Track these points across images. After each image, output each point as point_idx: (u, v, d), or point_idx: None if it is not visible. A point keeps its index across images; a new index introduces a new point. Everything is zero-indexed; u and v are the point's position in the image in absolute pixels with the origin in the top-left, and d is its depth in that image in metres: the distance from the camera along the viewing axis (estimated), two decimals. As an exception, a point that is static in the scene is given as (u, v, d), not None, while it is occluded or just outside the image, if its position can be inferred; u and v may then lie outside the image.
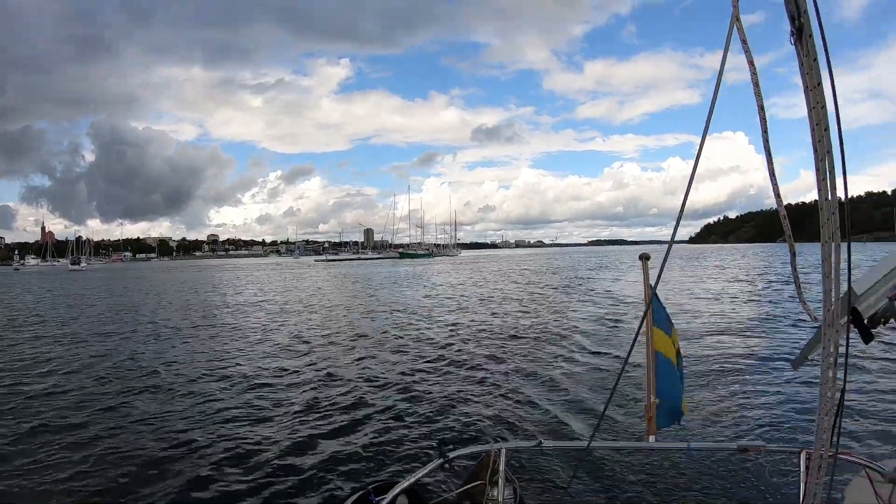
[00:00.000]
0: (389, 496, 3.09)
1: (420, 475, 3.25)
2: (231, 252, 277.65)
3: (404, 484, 3.17)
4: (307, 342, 15.89)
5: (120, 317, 24.50)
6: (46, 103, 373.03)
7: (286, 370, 12.07)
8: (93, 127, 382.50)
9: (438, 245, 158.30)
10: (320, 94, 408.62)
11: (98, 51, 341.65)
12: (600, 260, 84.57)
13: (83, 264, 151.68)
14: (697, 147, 1.81)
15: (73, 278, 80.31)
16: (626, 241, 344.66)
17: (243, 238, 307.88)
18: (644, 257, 3.59)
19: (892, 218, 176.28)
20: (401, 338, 16.31)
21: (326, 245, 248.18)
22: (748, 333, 15.20)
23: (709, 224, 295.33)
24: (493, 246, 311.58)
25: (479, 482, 3.31)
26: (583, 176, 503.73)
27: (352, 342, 15.80)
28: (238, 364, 12.88)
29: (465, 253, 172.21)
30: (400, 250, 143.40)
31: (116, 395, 10.39)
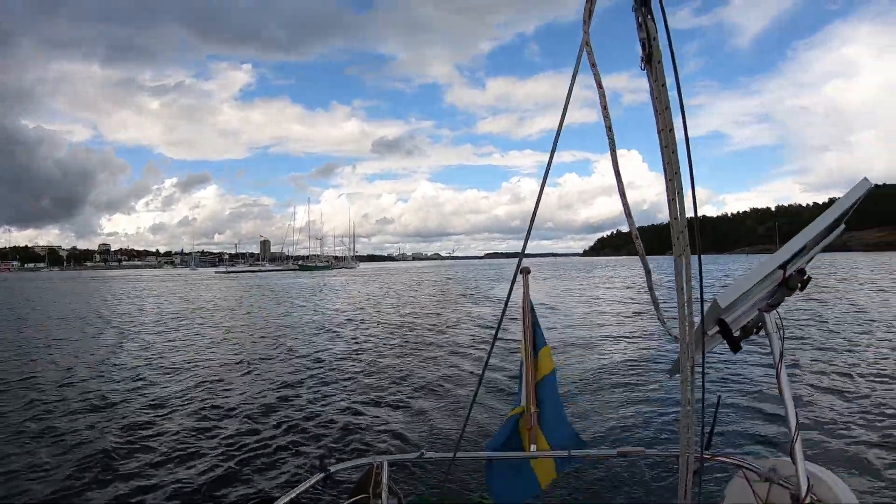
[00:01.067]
0: None
1: (301, 490, 3.22)
2: (124, 263, 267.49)
3: (284, 499, 3.10)
4: (211, 355, 15.72)
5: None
6: None
7: (176, 383, 12.01)
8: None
9: (337, 257, 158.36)
10: (221, 100, 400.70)
11: None
12: (496, 272, 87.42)
13: None
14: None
15: None
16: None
17: (136, 248, 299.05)
18: (524, 271, 3.62)
19: (775, 232, 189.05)
20: (296, 349, 16.43)
21: (226, 256, 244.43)
22: (629, 342, 15.81)
23: (603, 237, 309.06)
24: (391, 258, 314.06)
25: (362, 495, 3.27)
26: (481, 190, 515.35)
27: (253, 354, 15.71)
28: (133, 378, 12.58)
29: (363, 265, 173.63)
30: (300, 262, 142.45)
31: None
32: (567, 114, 1.65)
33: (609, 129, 1.60)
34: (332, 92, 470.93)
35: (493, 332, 17.70)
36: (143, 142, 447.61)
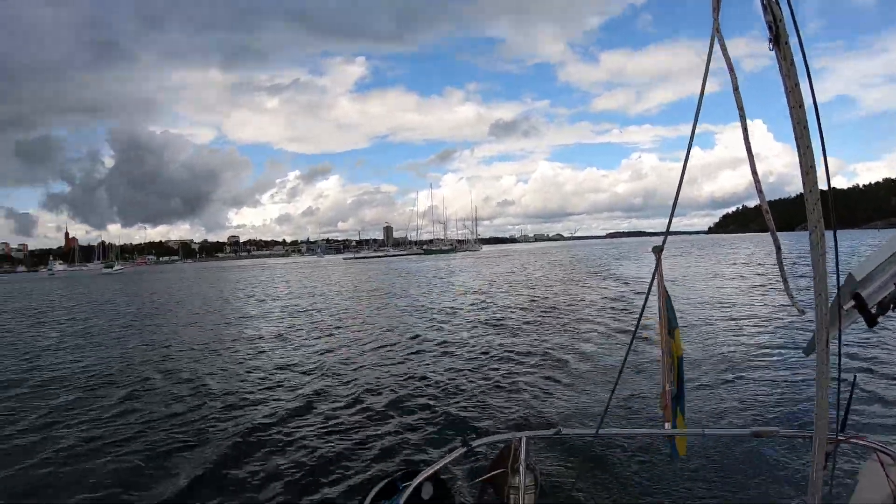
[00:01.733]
0: (415, 482, 3.20)
1: (444, 463, 3.36)
2: (253, 252, 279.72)
3: (429, 471, 3.27)
4: (358, 334, 16.87)
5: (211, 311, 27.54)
6: (64, 111, 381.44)
7: (322, 365, 12.64)
8: (111, 132, 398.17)
9: (460, 241, 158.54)
10: (337, 94, 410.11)
11: (114, 57, 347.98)
12: (620, 251, 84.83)
13: (117, 267, 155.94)
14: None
15: (117, 280, 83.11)
16: (645, 232, 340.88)
17: (263, 238, 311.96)
18: (657, 250, 3.39)
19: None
20: (438, 327, 17.32)
21: (353, 243, 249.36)
22: (760, 320, 15.53)
23: (727, 214, 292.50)
24: (513, 240, 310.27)
25: (500, 470, 3.41)
26: (600, 168, 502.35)
27: (400, 331, 16.87)
28: (285, 358, 13.85)
29: (485, 248, 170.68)
30: (424, 247, 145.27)
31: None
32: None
33: (741, 108, 1.63)
34: (445, 78, 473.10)
35: (624, 308, 18.75)
36: (264, 139, 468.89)
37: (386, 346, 14.85)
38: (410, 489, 3.17)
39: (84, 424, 9.10)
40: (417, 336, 16.02)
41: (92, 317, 27.43)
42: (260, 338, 17.58)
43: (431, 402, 9.07)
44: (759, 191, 1.78)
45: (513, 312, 19.84)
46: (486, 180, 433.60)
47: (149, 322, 24.05)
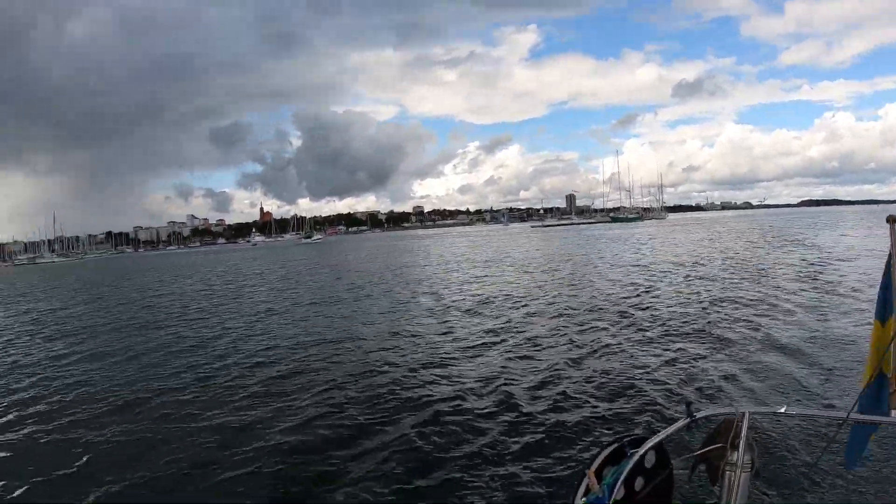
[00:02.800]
0: (642, 450, 3.20)
1: (668, 432, 3.35)
2: (438, 222, 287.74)
3: (655, 440, 3.28)
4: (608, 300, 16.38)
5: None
6: (252, 98, 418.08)
7: (564, 330, 12.38)
8: (296, 115, 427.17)
9: (645, 209, 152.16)
10: (512, 63, 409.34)
11: (293, 45, 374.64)
12: (813, 219, 76.48)
13: (316, 237, 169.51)
14: None
15: (320, 248, 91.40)
16: (841, 200, 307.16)
17: (447, 208, 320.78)
18: (892, 220, 3.20)
19: None
20: (652, 293, 17.06)
21: (538, 211, 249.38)
22: None
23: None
24: (699, 208, 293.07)
25: (719, 445, 3.33)
26: (791, 129, 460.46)
27: (617, 295, 16.85)
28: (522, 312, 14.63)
29: (671, 216, 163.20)
30: (611, 215, 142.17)
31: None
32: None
33: None
34: (622, 39, 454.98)
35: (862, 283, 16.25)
36: (444, 112, 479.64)
37: (613, 310, 14.61)
38: (636, 457, 3.16)
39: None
40: (640, 300, 15.90)
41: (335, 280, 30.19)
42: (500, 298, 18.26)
43: (650, 370, 8.84)
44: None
45: (733, 282, 18.72)
46: (670, 145, 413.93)
47: (398, 280, 26.90)
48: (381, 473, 5.84)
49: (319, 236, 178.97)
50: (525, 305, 16.19)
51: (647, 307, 14.71)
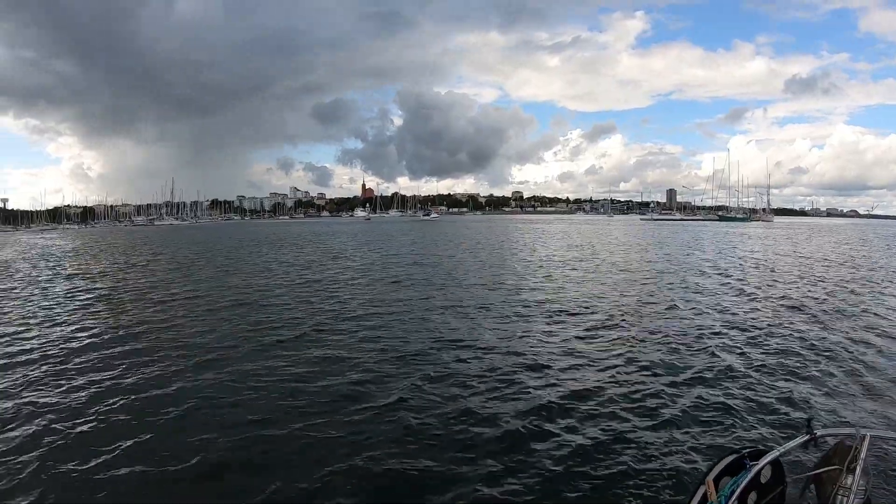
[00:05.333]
0: (760, 464, 3.23)
1: (787, 448, 3.36)
2: (538, 208, 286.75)
3: (772, 455, 3.28)
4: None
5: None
6: (355, 76, 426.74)
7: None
8: (399, 94, 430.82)
9: (752, 210, 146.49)
10: (618, 50, 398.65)
11: (397, 24, 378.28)
12: None
13: (433, 215, 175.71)
14: None
15: (445, 225, 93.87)
16: None
17: (546, 195, 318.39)
18: None
19: None
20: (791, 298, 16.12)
21: (652, 204, 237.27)
22: None
23: None
24: (802, 213, 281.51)
25: (834, 466, 3.25)
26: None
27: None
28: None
29: (776, 219, 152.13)
30: (719, 213, 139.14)
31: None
32: None
33: None
34: (732, 29, 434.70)
35: None
36: (545, 97, 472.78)
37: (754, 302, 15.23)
38: (753, 471, 3.18)
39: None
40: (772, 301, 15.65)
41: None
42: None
43: (768, 381, 8.50)
44: None
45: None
46: (778, 144, 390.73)
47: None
48: (502, 466, 5.86)
49: (436, 214, 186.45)
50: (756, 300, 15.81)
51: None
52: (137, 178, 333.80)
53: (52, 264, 32.75)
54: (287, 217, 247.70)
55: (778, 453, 3.34)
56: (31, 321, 13.95)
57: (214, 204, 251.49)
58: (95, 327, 13.05)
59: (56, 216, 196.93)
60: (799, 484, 3.65)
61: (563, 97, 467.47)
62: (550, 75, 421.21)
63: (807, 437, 3.49)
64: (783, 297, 16.47)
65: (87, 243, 61.82)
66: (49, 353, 10.71)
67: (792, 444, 3.48)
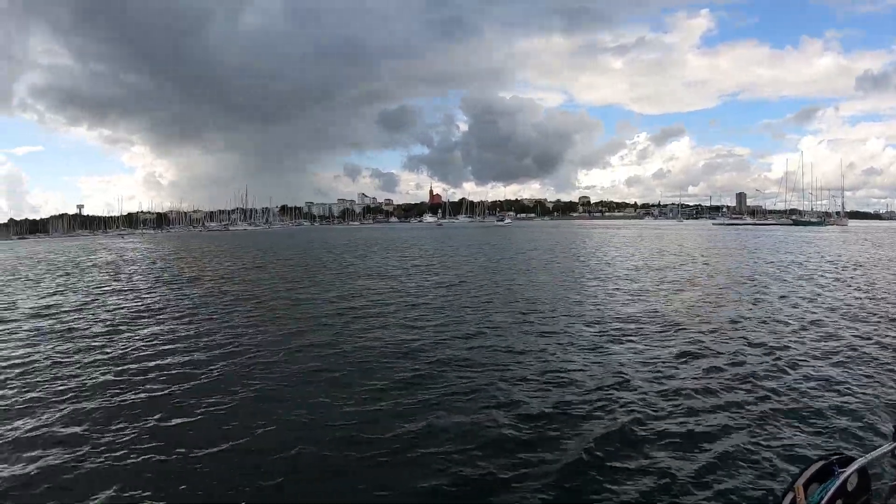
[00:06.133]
0: (847, 471, 3.20)
1: (874, 455, 3.35)
2: (606, 214, 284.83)
3: (860, 462, 3.23)
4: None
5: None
6: (419, 83, 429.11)
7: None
8: (464, 100, 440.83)
9: (826, 213, 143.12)
10: (683, 50, 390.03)
11: (460, 31, 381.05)
12: None
13: (507, 221, 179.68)
14: None
15: (516, 233, 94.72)
16: None
17: (613, 200, 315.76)
18: None
19: None
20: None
21: (724, 208, 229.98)
22: None
23: None
24: (877, 216, 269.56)
25: None
26: None
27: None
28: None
29: (851, 223, 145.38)
30: (793, 217, 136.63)
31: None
32: None
33: None
34: (799, 25, 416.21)
35: None
36: (611, 100, 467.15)
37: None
38: (841, 479, 3.21)
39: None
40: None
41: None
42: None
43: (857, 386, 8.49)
44: None
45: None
46: (850, 144, 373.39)
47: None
48: (589, 464, 6.08)
49: (509, 220, 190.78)
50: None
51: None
52: (206, 186, 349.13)
53: (164, 265, 36.06)
54: (357, 223, 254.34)
55: (865, 461, 3.34)
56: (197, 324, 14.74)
57: (283, 210, 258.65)
58: (274, 328, 13.86)
59: (132, 222, 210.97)
60: (882, 493, 3.70)
61: (628, 100, 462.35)
62: (615, 78, 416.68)
63: (893, 445, 3.62)
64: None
65: (179, 247, 64.83)
66: (233, 341, 12.35)
67: (879, 451, 3.54)
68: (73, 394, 8.93)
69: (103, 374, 10.08)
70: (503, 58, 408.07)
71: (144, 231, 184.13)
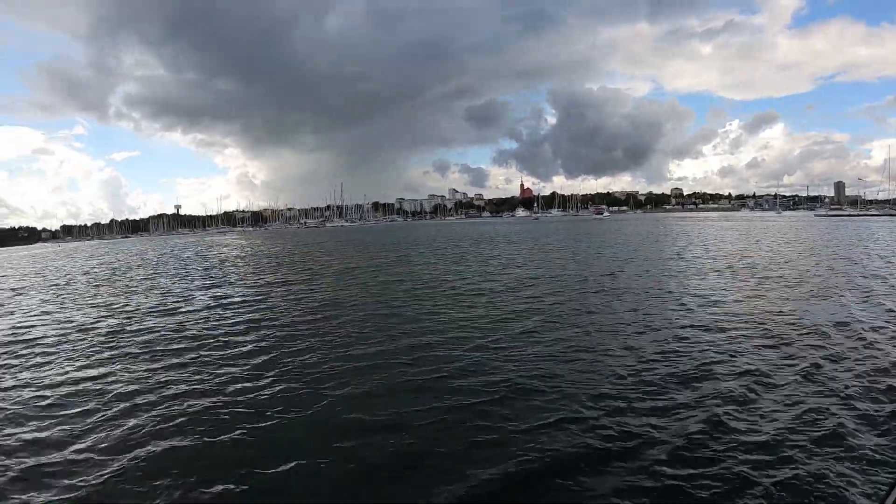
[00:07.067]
0: None
1: None
2: (700, 206, 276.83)
3: None
4: None
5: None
6: (505, 77, 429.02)
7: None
8: (551, 93, 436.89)
9: None
10: (774, 32, 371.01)
11: (542, 24, 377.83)
12: None
13: (605, 214, 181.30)
14: None
15: (618, 225, 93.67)
16: None
17: (706, 191, 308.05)
18: None
19: None
20: None
21: (826, 199, 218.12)
22: None
23: None
24: None
25: None
26: None
27: None
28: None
29: None
30: None
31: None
32: None
33: None
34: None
35: None
36: (701, 87, 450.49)
37: None
38: None
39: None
40: None
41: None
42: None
43: None
44: None
45: None
46: None
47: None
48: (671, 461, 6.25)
49: (608, 214, 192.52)
50: None
51: None
52: (298, 184, 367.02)
53: (298, 259, 38.94)
54: (452, 217, 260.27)
55: None
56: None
57: (375, 206, 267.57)
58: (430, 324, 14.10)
59: (230, 220, 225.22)
60: None
61: (719, 86, 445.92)
62: (704, 64, 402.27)
63: None
64: None
65: (285, 244, 66.29)
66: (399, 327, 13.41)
67: None
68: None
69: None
70: (588, 48, 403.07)
71: (244, 229, 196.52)
